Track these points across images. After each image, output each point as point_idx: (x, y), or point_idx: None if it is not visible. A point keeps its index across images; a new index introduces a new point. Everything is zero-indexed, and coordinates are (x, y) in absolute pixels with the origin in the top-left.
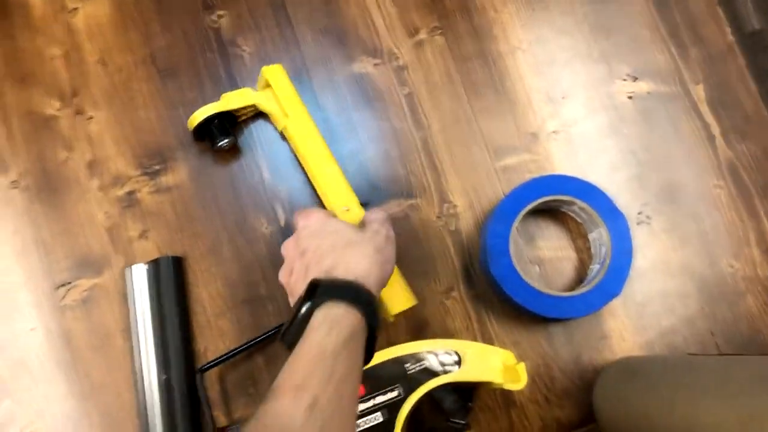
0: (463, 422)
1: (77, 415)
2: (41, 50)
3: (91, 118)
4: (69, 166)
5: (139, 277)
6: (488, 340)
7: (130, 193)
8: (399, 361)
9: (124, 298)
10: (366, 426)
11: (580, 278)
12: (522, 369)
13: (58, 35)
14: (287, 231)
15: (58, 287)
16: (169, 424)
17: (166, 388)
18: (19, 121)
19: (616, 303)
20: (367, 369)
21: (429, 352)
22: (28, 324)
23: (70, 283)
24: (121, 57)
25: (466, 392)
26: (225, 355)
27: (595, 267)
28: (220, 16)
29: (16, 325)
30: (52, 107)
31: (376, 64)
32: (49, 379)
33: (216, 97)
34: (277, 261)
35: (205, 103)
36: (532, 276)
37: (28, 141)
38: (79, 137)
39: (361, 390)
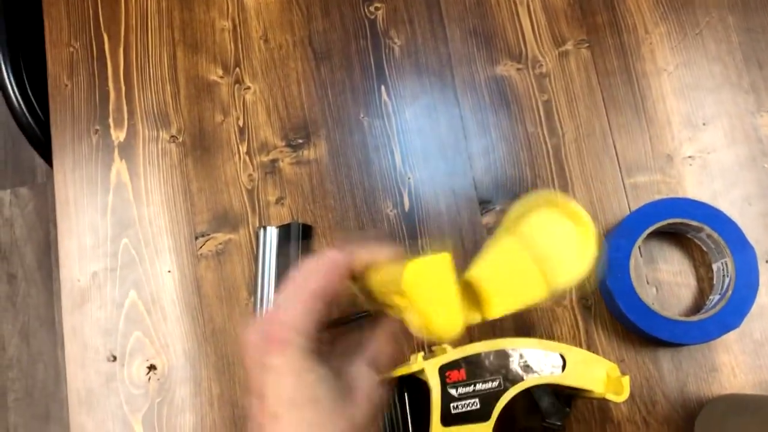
0: (559, 424)
1: (195, 355)
2: (213, 22)
3: (248, 88)
4: (223, 129)
5: (270, 238)
6: (593, 352)
7: (273, 161)
8: (503, 354)
9: (254, 255)
10: (462, 410)
11: (697, 307)
12: (626, 382)
13: (229, 10)
14: (411, 215)
15: (197, 237)
16: None
17: None
18: (185, 83)
19: (731, 337)
20: (471, 356)
21: (535, 350)
22: (166, 266)
23: (208, 234)
24: (282, 35)
25: (565, 398)
26: (338, 320)
27: (715, 297)
28: (377, 8)
29: (156, 265)
30: (215, 74)
31: (518, 69)
32: (177, 318)
33: (362, 84)
34: (398, 242)
35: (353, 87)
36: (647, 296)
37: (191, 102)
38: (235, 104)
39: (463, 374)
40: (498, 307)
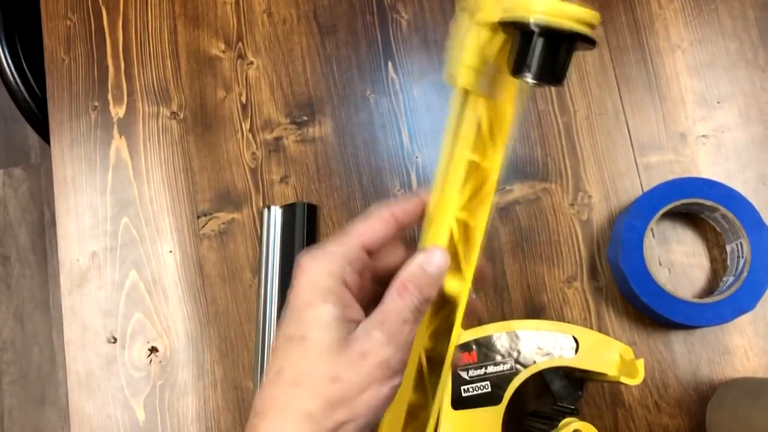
0: (572, 407)
1: (198, 337)
2: None
3: (251, 63)
4: (225, 106)
5: (275, 218)
6: (605, 335)
7: (278, 138)
8: (514, 337)
9: (258, 235)
10: (473, 393)
11: (710, 289)
12: (641, 365)
13: None
14: None
15: (199, 216)
16: None
17: None
18: (186, 57)
19: (745, 320)
20: (482, 338)
21: (547, 332)
22: (168, 246)
23: (210, 214)
24: (286, 9)
25: (577, 381)
26: None
27: (729, 279)
28: None
29: (158, 245)
30: (217, 49)
31: None
32: (179, 299)
33: (368, 60)
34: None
35: (360, 63)
36: (660, 278)
37: (192, 77)
38: (237, 80)
39: (474, 356)
40: None
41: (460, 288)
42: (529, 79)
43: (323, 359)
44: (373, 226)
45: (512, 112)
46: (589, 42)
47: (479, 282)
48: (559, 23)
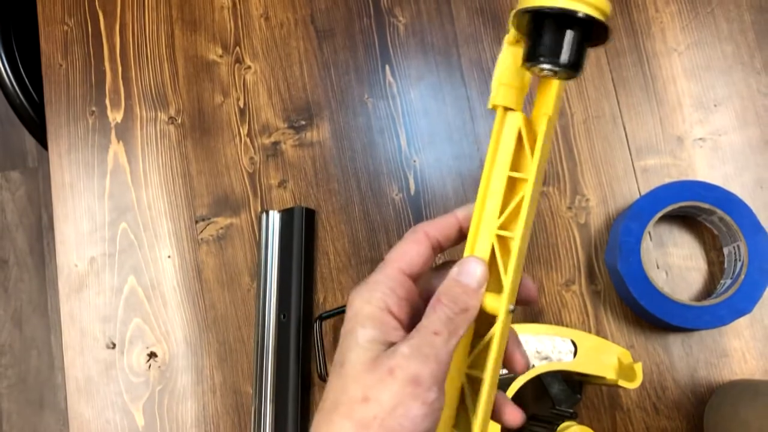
0: (570, 411)
1: (197, 341)
2: (213, 0)
3: (248, 68)
4: (223, 110)
5: (273, 222)
6: (603, 338)
7: (275, 143)
8: None
9: (256, 240)
10: None
11: (707, 292)
12: (639, 368)
13: None
14: (416, 199)
15: (197, 221)
16: (280, 361)
17: (282, 328)
18: (184, 62)
19: (742, 322)
20: None
21: (546, 336)
22: (166, 251)
23: (208, 218)
24: (284, 14)
25: (575, 384)
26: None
27: (726, 282)
28: None
29: (156, 250)
30: (214, 53)
31: None
32: (178, 304)
33: (365, 64)
34: (403, 227)
35: (357, 67)
36: (658, 281)
37: (189, 82)
38: (235, 84)
39: None
40: None
41: (499, 305)
42: (545, 64)
43: (356, 380)
44: (408, 249)
45: (545, 125)
46: (604, 29)
47: (524, 300)
48: (571, 5)
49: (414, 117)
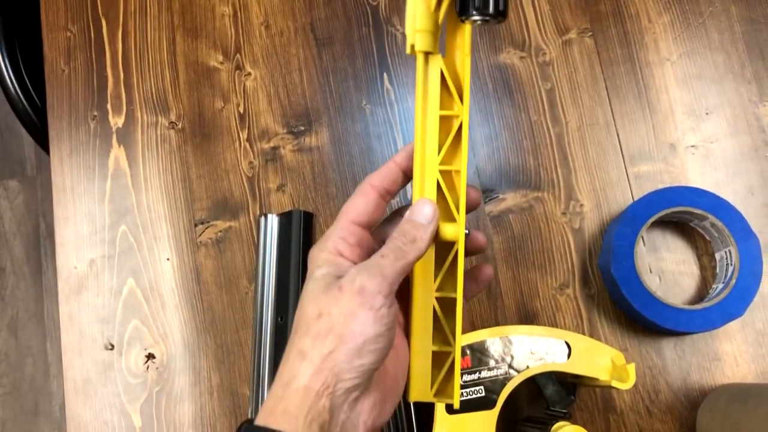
0: (564, 411)
1: (195, 344)
2: (214, 7)
3: (248, 74)
4: (223, 116)
5: (271, 226)
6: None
7: (274, 148)
8: (508, 342)
9: (255, 243)
10: (467, 397)
11: (699, 296)
12: (632, 369)
13: None
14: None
15: (197, 224)
16: (277, 364)
17: (280, 330)
18: (185, 68)
19: (734, 326)
20: (475, 342)
21: (540, 337)
22: (165, 254)
23: (207, 222)
24: (284, 22)
25: (569, 386)
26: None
27: (718, 286)
28: None
29: (155, 253)
30: (215, 60)
31: (521, 57)
32: (176, 307)
33: (364, 71)
34: None
35: (356, 75)
36: (651, 285)
37: (190, 88)
38: (235, 90)
39: (467, 361)
40: None
41: (455, 231)
42: (476, 16)
43: (312, 303)
44: (357, 202)
45: (468, 64)
46: None
47: (482, 283)
48: None
49: (411, 123)
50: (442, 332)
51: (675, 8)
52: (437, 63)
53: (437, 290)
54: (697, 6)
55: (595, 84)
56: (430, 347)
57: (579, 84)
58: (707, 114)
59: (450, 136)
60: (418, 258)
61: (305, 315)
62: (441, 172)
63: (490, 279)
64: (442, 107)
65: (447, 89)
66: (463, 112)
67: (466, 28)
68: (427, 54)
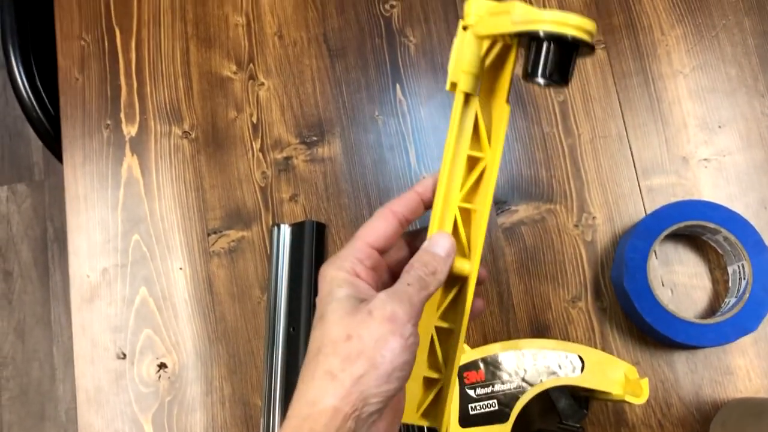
0: (577, 425)
1: (207, 353)
2: (227, 17)
3: (262, 84)
4: (236, 125)
5: (284, 236)
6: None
7: (287, 158)
8: (521, 355)
9: (267, 253)
10: (480, 411)
11: (712, 310)
12: (645, 384)
13: (243, 6)
14: (425, 216)
15: (209, 234)
16: (289, 374)
17: (292, 340)
18: (198, 78)
19: (747, 341)
20: (489, 356)
21: (553, 351)
22: (177, 263)
23: (220, 231)
24: (297, 32)
25: (582, 399)
26: None
27: (731, 300)
28: (392, 6)
29: (168, 262)
30: (229, 70)
31: None
32: (188, 316)
33: (377, 82)
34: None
35: (368, 85)
36: (663, 298)
37: (204, 97)
38: (249, 100)
39: (481, 375)
40: None
41: (463, 266)
42: (540, 80)
43: (337, 325)
44: (376, 226)
45: (506, 112)
46: (589, 47)
47: (474, 316)
48: (564, 31)
49: (423, 134)
50: (435, 359)
51: (688, 21)
52: (474, 105)
53: (439, 318)
54: (711, 19)
55: (608, 96)
56: (423, 372)
57: (592, 96)
58: (720, 127)
59: (473, 176)
60: (437, 290)
61: (330, 335)
62: (460, 208)
63: (481, 312)
64: (471, 147)
65: (477, 131)
66: (488, 155)
67: (506, 77)
68: (467, 95)
